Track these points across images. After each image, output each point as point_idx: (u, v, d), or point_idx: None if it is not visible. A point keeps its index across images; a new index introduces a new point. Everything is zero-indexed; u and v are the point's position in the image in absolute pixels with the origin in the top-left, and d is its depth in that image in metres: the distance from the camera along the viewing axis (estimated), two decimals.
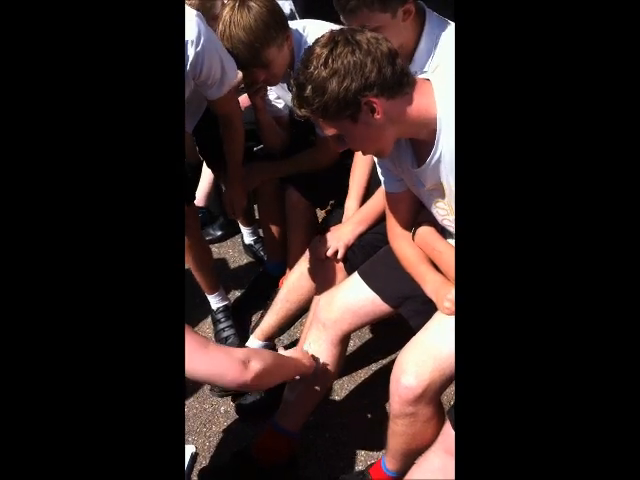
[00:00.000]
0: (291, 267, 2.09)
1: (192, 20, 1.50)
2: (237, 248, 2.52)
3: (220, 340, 2.04)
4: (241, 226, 2.46)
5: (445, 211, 1.30)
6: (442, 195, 1.26)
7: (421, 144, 1.21)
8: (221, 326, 2.08)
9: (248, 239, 2.45)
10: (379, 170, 1.39)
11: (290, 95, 1.90)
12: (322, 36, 1.13)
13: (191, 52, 1.50)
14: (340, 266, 1.70)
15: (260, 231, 2.42)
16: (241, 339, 2.05)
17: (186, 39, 1.48)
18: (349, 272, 1.69)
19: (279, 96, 1.96)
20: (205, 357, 1.17)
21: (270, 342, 1.93)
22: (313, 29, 1.73)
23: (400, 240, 1.41)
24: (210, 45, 1.53)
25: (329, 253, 1.69)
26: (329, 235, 1.72)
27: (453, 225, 1.29)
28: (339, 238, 1.69)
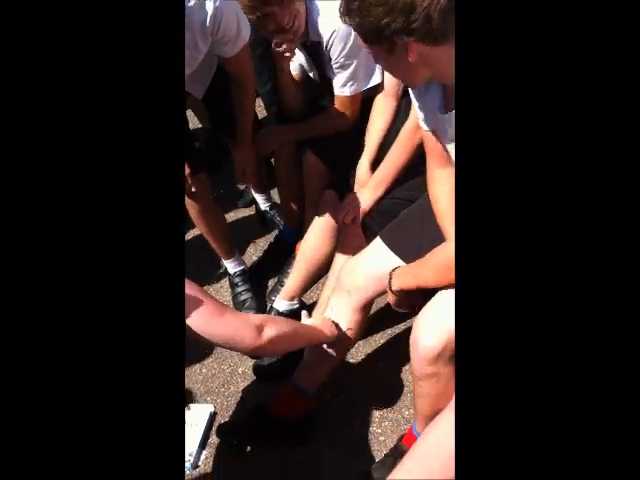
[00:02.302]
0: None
1: None
2: (254, 214, 2.54)
3: (238, 304, 2.08)
4: (254, 193, 2.46)
5: None
6: None
7: (450, 89, 1.18)
8: (238, 290, 2.11)
9: (263, 206, 2.46)
10: (416, 105, 1.34)
11: (303, 55, 1.89)
12: None
13: (210, 7, 1.48)
14: (358, 230, 1.71)
15: (274, 197, 2.44)
16: (258, 303, 2.08)
17: None
18: (367, 237, 1.70)
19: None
20: (222, 322, 1.20)
21: (296, 301, 1.96)
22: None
23: (437, 185, 1.37)
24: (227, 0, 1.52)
25: (347, 220, 1.69)
26: (346, 201, 1.72)
27: None
28: (357, 205, 1.69)
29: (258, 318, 1.30)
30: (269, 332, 1.26)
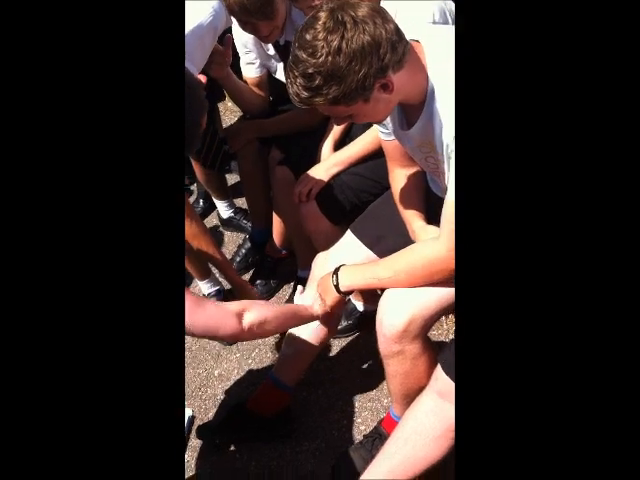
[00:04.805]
0: (276, 231, 2.11)
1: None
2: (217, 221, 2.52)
3: None
4: (216, 200, 2.43)
5: (435, 165, 1.31)
6: (431, 150, 1.27)
7: (409, 106, 1.21)
8: None
9: (226, 213, 2.43)
10: (377, 125, 1.38)
11: (268, 55, 1.91)
12: (317, 17, 1.02)
13: (217, 10, 1.59)
14: (314, 203, 1.73)
15: (236, 202, 2.43)
16: None
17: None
18: (324, 212, 1.72)
19: (253, 60, 1.96)
20: (201, 311, 1.19)
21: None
22: None
23: (399, 183, 1.44)
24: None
25: (303, 189, 1.71)
26: (303, 175, 1.74)
27: (440, 176, 1.31)
28: (313, 177, 1.72)
29: (236, 304, 1.29)
30: (249, 317, 1.25)
